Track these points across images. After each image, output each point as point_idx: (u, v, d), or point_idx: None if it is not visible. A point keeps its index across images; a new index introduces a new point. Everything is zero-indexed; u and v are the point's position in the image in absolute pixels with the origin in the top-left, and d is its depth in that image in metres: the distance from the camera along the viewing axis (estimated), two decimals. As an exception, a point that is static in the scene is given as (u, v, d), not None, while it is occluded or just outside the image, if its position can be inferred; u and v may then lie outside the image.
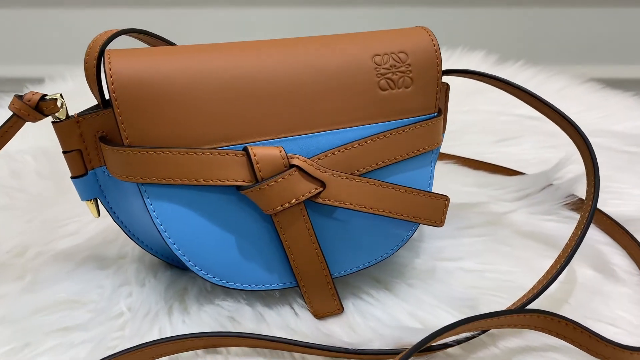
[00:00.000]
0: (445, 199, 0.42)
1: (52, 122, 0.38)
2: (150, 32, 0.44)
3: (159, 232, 0.37)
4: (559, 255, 0.41)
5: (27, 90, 0.59)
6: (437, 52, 0.42)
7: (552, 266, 0.41)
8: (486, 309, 0.40)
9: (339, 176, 0.38)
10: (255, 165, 0.36)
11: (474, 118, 0.74)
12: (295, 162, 0.37)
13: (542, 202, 0.53)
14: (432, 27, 0.46)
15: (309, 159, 0.38)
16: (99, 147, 0.39)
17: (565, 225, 0.50)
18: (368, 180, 0.39)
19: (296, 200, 0.37)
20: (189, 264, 0.38)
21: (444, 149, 0.63)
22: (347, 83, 0.40)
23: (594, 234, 0.49)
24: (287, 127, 0.38)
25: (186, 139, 0.37)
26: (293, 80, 0.38)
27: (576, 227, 0.42)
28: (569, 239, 0.42)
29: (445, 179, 0.58)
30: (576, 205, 0.52)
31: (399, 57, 0.41)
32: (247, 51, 0.38)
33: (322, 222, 0.40)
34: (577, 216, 0.51)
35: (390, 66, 0.41)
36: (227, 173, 0.37)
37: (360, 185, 0.39)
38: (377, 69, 0.40)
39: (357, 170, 0.40)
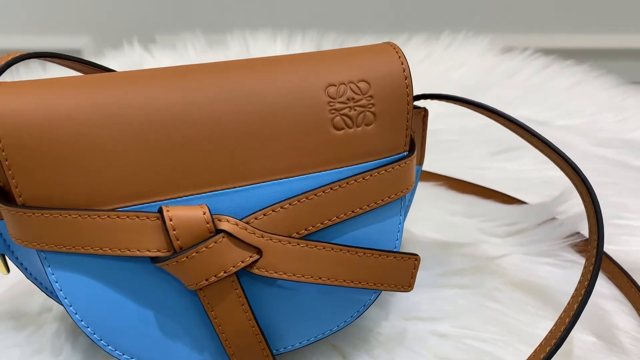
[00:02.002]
0: (414, 258, 0.35)
1: None
2: (68, 56, 0.36)
3: (64, 306, 0.31)
4: (556, 325, 0.34)
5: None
6: (408, 78, 0.34)
7: (546, 340, 0.34)
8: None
9: (279, 241, 0.31)
10: (171, 232, 0.29)
11: (468, 123, 0.65)
12: (223, 225, 0.30)
13: (540, 241, 0.45)
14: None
15: (243, 218, 0.31)
16: None
17: (565, 272, 0.42)
18: (317, 244, 0.32)
19: (225, 273, 0.30)
20: (100, 344, 0.32)
21: (429, 163, 0.55)
22: (293, 122, 0.32)
23: (597, 283, 0.42)
24: (216, 179, 0.31)
25: (90, 196, 0.30)
26: (224, 120, 0.31)
27: (576, 290, 0.35)
28: (568, 303, 0.35)
29: (428, 204, 0.50)
30: (580, 247, 0.44)
31: (358, 87, 0.33)
32: (168, 82, 0.31)
33: (261, 291, 0.33)
34: (581, 260, 0.43)
35: (348, 99, 0.33)
36: (138, 241, 0.30)
37: (307, 251, 0.32)
38: (331, 104, 0.33)
39: (305, 229, 0.32)
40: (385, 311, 0.39)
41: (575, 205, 0.46)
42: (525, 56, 0.82)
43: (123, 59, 0.79)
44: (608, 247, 0.44)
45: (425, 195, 0.51)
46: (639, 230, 0.47)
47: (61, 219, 0.29)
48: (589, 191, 0.35)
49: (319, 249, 0.32)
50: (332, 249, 0.32)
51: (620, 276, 0.41)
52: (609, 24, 1.20)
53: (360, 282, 0.33)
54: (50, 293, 0.36)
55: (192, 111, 0.31)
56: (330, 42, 0.86)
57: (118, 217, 0.29)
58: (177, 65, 0.33)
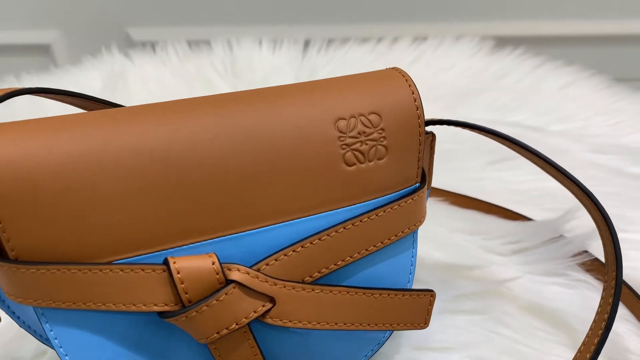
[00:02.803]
0: (430, 295, 0.34)
1: None
2: (62, 90, 0.34)
3: (59, 357, 0.29)
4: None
5: None
6: (419, 108, 0.33)
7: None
8: None
9: (293, 287, 0.30)
10: (179, 286, 0.28)
11: (461, 131, 0.64)
12: (233, 275, 0.28)
13: (546, 260, 0.44)
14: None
15: (253, 265, 0.29)
16: None
17: (574, 292, 0.42)
18: (332, 288, 0.30)
19: (237, 324, 0.29)
20: None
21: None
22: (303, 159, 0.30)
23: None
24: (223, 224, 0.29)
25: (89, 249, 0.28)
26: (229, 160, 0.29)
27: (595, 323, 0.34)
28: (587, 336, 0.34)
29: (429, 221, 0.49)
30: (588, 265, 0.43)
31: (369, 120, 0.32)
32: (167, 120, 0.29)
33: (274, 338, 0.31)
34: (591, 280, 0.43)
35: (359, 133, 0.31)
36: (144, 295, 0.28)
37: (322, 297, 0.30)
38: (342, 138, 0.31)
39: (318, 272, 0.31)
40: (396, 343, 0.38)
41: (583, 223, 0.45)
42: (515, 57, 0.82)
43: (103, 67, 0.76)
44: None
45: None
46: (645, 245, 0.46)
47: (59, 275, 0.27)
48: (606, 220, 0.34)
49: (334, 293, 0.31)
50: (348, 293, 0.31)
51: (629, 296, 0.41)
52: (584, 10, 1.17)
53: (376, 325, 0.32)
54: (46, 340, 0.34)
55: (194, 152, 0.29)
56: (316, 47, 0.84)
57: (121, 270, 0.27)
58: (166, 101, 0.31)
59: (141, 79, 0.73)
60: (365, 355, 0.34)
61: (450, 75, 0.78)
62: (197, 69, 0.79)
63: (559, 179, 0.36)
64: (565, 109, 0.69)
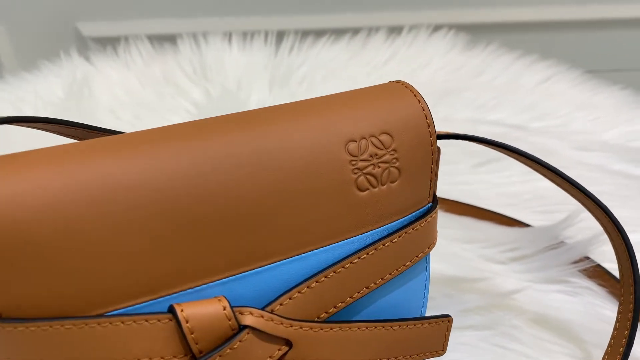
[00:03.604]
0: (447, 320, 0.32)
1: None
2: (46, 118, 0.30)
3: None
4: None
5: None
6: (431, 125, 0.31)
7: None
8: None
9: (311, 328, 0.27)
10: (189, 337, 0.25)
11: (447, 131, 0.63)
12: (246, 320, 0.26)
13: (547, 267, 0.44)
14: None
15: (266, 307, 0.27)
16: None
17: (578, 299, 0.41)
18: (350, 325, 0.28)
19: (254, 377, 0.26)
20: None
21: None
22: (314, 187, 0.28)
23: (607, 307, 0.41)
24: (231, 262, 0.27)
25: (83, 300, 0.25)
26: (235, 192, 0.26)
27: (611, 347, 0.33)
28: (607, 353, 0.33)
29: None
30: (590, 272, 0.43)
31: (380, 141, 0.30)
32: (165, 150, 0.26)
33: (290, 383, 0.29)
34: (594, 287, 0.42)
35: (370, 156, 0.29)
36: (150, 349, 0.25)
37: (340, 335, 0.28)
38: (353, 162, 0.29)
39: (334, 307, 0.29)
40: (407, 367, 0.36)
41: (583, 229, 0.45)
42: (489, 52, 0.81)
43: (63, 73, 0.71)
44: (610, 266, 0.44)
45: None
46: None
47: (52, 331, 0.24)
48: (622, 234, 0.33)
49: (353, 330, 0.29)
50: (367, 328, 0.29)
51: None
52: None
53: (395, 357, 0.30)
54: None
55: (197, 185, 0.26)
56: (289, 44, 0.81)
57: (122, 322, 0.24)
58: (156, 129, 0.28)
59: (106, 85, 0.68)
60: None
61: (427, 73, 0.77)
62: (165, 72, 0.75)
63: (571, 192, 0.35)
64: (545, 105, 0.69)
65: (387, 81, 0.33)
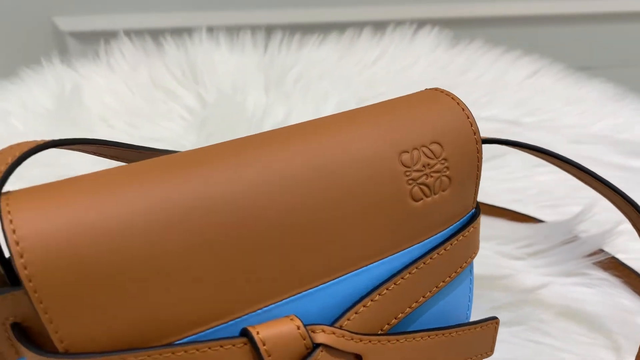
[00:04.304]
0: (495, 322, 0.33)
1: None
2: (95, 140, 0.29)
3: None
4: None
5: None
6: (476, 133, 0.31)
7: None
8: None
9: (379, 341, 0.27)
10: (266, 359, 0.25)
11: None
12: (320, 338, 0.26)
13: (563, 261, 0.45)
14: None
15: (334, 322, 0.27)
16: (11, 338, 0.25)
17: (597, 291, 0.43)
18: (414, 335, 0.29)
19: (328, 396, 0.26)
20: None
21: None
22: (372, 199, 0.28)
23: (625, 297, 0.43)
24: (296, 280, 0.27)
25: (152, 329, 0.24)
26: (297, 206, 0.26)
27: None
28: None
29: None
30: (605, 264, 0.45)
31: (431, 150, 0.30)
32: (223, 168, 0.25)
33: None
34: (611, 278, 0.44)
35: (423, 166, 0.29)
36: (224, 375, 0.25)
37: (406, 345, 0.28)
38: (407, 173, 0.29)
39: (395, 318, 0.29)
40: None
41: (595, 223, 0.46)
42: (474, 49, 0.83)
43: (49, 83, 0.68)
44: (620, 256, 0.46)
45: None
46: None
47: None
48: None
49: (416, 340, 0.29)
50: (429, 337, 0.29)
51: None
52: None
53: (453, 362, 0.31)
54: None
55: (260, 202, 0.25)
56: (277, 42, 0.81)
57: (197, 349, 0.24)
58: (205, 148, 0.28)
59: (95, 94, 0.66)
60: None
61: (416, 70, 0.78)
62: (153, 76, 0.73)
63: (599, 190, 0.36)
64: (534, 100, 0.71)
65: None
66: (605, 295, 0.43)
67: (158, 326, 0.24)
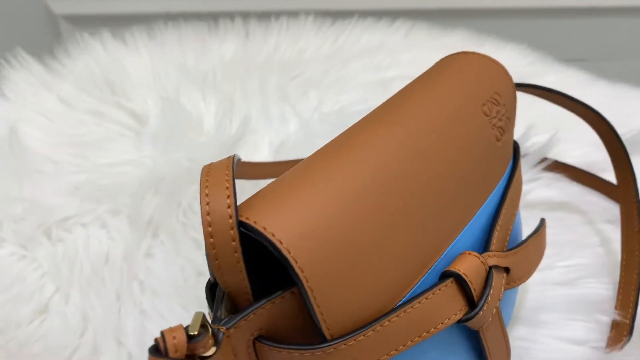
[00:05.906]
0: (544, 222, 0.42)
1: None
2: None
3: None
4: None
5: None
6: (511, 79, 0.40)
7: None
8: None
9: (515, 253, 0.35)
10: (473, 292, 0.30)
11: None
12: (491, 261, 0.32)
13: (524, 172, 0.57)
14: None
15: (486, 247, 0.33)
16: (252, 350, 0.26)
17: (559, 184, 0.56)
18: (528, 242, 0.36)
19: (498, 301, 0.33)
20: None
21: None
22: (479, 147, 0.35)
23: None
24: (459, 222, 0.33)
25: (389, 292, 0.28)
26: (445, 159, 0.32)
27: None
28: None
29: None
30: (552, 167, 0.57)
31: (496, 100, 0.37)
32: (396, 140, 0.30)
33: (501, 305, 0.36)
34: (561, 177, 0.57)
35: (497, 112, 0.37)
36: (446, 311, 0.29)
37: (527, 251, 0.36)
38: (490, 120, 0.36)
39: (508, 234, 0.36)
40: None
41: (536, 141, 0.58)
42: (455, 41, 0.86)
43: (23, 85, 0.57)
44: (560, 159, 0.59)
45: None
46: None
47: (372, 336, 0.27)
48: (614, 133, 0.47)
49: (529, 248, 0.36)
50: (533, 239, 0.37)
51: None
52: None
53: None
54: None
55: (427, 158, 0.31)
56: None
57: (419, 302, 0.28)
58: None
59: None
60: None
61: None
62: (63, 100, 0.66)
63: (568, 106, 0.47)
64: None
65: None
66: (565, 194, 0.55)
67: (387, 291, 0.28)
